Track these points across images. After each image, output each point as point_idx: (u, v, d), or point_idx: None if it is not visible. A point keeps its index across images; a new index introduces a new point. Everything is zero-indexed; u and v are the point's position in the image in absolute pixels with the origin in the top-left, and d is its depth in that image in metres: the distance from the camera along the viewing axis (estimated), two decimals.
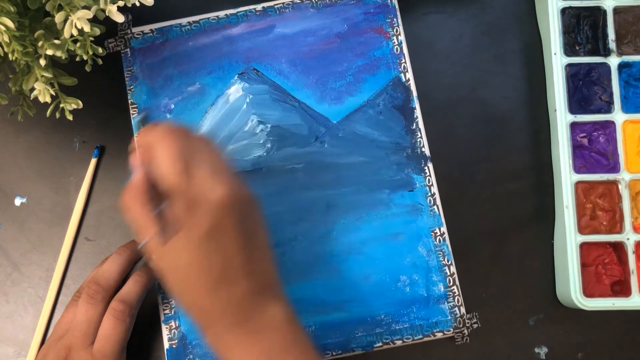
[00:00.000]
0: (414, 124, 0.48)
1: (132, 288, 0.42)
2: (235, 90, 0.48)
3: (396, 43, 0.48)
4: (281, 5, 0.49)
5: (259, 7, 0.49)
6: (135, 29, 0.48)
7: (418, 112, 0.48)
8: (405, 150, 0.47)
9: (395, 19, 0.49)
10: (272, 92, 0.48)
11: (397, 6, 0.49)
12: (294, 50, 0.48)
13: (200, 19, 0.48)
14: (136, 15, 0.48)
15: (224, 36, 0.48)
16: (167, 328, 0.45)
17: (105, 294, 0.41)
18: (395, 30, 0.49)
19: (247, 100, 0.47)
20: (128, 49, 0.48)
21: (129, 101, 0.48)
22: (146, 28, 0.48)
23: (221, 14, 0.49)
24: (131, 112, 0.48)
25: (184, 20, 0.48)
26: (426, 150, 0.47)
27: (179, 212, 0.34)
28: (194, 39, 0.48)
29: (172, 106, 0.48)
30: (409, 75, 0.48)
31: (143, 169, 0.35)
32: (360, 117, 0.48)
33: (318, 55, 0.48)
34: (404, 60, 0.48)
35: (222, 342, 0.36)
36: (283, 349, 0.36)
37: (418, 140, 0.47)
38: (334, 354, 0.45)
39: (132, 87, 0.48)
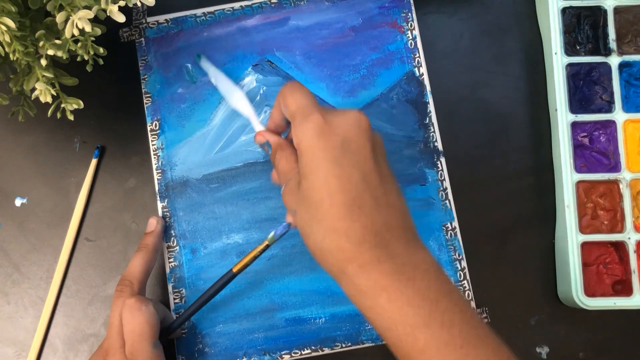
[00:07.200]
0: (427, 118, 0.48)
1: (131, 263, 0.42)
2: (249, 82, 0.48)
3: (410, 37, 0.49)
4: None
5: None
6: (150, 19, 0.48)
7: (431, 107, 0.48)
8: (418, 145, 0.47)
9: (410, 14, 0.49)
10: None
11: (412, 1, 0.49)
12: (308, 42, 0.48)
13: (215, 10, 0.49)
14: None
15: (239, 27, 0.49)
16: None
17: (132, 288, 0.40)
18: (409, 24, 0.49)
19: (261, 91, 0.47)
20: (142, 39, 0.48)
21: (143, 90, 0.48)
22: (161, 18, 0.48)
23: (236, 5, 0.49)
24: (145, 101, 0.48)
25: (199, 11, 0.49)
26: (439, 145, 0.47)
27: (312, 130, 0.34)
28: (209, 30, 0.48)
29: (186, 96, 0.48)
30: (423, 69, 0.48)
31: (278, 113, 0.39)
32: (374, 110, 0.48)
33: (332, 48, 0.48)
34: (418, 55, 0.48)
35: (365, 283, 0.32)
36: (443, 295, 0.32)
37: (431, 134, 0.47)
38: (344, 345, 0.45)
39: (145, 76, 0.48)
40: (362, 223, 0.33)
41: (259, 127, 0.42)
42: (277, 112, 0.39)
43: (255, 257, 0.40)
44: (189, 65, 0.48)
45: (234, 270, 0.41)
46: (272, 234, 0.39)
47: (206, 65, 0.47)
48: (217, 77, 0.46)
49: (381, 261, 0.32)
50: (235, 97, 0.45)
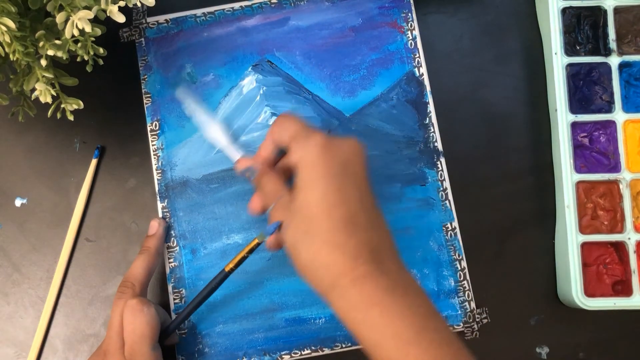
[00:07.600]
0: (427, 118, 0.48)
1: (133, 265, 0.42)
2: (249, 82, 0.48)
3: (410, 38, 0.49)
4: None
5: None
6: (150, 19, 0.48)
7: (431, 107, 0.48)
8: (418, 145, 0.47)
9: (410, 14, 0.49)
10: (285, 84, 0.48)
11: (412, 1, 0.49)
12: (308, 42, 0.49)
13: (215, 10, 0.49)
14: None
15: (239, 28, 0.49)
16: None
17: (134, 290, 0.41)
18: (409, 25, 0.49)
19: (261, 92, 0.47)
20: (142, 39, 0.48)
21: (143, 90, 0.48)
22: (161, 18, 0.48)
23: (236, 5, 0.49)
24: (145, 101, 0.48)
25: (199, 11, 0.49)
26: (439, 145, 0.47)
27: (315, 147, 0.35)
28: (209, 30, 0.48)
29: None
30: (423, 69, 0.48)
31: (272, 141, 0.39)
32: (374, 110, 0.48)
33: (332, 48, 0.49)
34: (417, 55, 0.48)
35: (357, 297, 0.33)
36: (432, 314, 0.33)
37: (431, 134, 0.48)
38: (344, 345, 0.45)
39: (145, 76, 0.48)
40: (358, 239, 0.34)
41: (237, 155, 0.43)
42: (269, 143, 0.39)
43: (246, 256, 0.40)
44: (189, 66, 0.48)
45: (226, 269, 0.41)
46: (262, 232, 0.39)
47: (183, 95, 0.47)
48: (194, 108, 0.46)
49: (375, 276, 0.33)
50: (211, 128, 0.45)
